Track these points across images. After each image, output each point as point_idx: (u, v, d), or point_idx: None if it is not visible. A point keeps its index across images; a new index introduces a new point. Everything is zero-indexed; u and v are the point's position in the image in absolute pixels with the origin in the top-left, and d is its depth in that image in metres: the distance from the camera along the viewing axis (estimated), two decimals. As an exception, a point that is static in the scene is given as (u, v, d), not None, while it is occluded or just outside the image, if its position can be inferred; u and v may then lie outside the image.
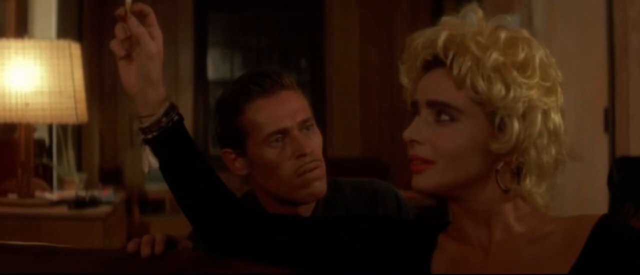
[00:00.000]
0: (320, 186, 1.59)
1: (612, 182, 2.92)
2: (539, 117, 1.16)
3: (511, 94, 1.15)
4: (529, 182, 1.19)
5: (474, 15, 1.21)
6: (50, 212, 3.37)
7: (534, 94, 1.16)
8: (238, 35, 8.00)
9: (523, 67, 1.17)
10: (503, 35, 1.18)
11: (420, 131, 1.20)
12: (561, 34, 3.98)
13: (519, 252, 1.19)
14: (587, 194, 3.60)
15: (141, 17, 1.33)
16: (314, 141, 1.60)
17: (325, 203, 1.65)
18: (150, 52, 1.32)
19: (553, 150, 1.18)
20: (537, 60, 1.17)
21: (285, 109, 1.57)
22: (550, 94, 1.18)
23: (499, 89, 1.15)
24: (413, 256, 1.26)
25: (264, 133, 1.57)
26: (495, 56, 1.15)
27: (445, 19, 1.21)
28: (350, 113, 7.73)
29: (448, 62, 1.18)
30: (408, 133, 1.20)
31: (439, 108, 1.19)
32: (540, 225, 1.20)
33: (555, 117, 1.18)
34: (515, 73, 1.16)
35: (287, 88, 1.60)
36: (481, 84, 1.15)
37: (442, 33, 1.18)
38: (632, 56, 3.35)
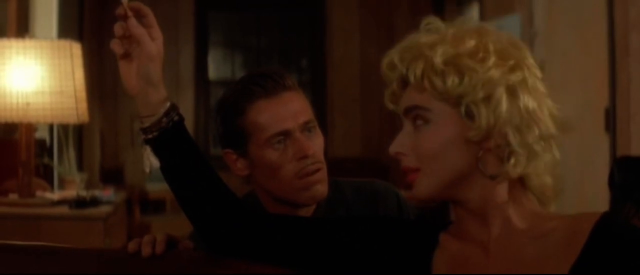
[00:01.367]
0: (322, 189, 1.59)
1: (613, 182, 2.92)
2: (504, 97, 1.17)
3: (466, 80, 1.17)
4: (517, 164, 1.18)
5: (435, 25, 1.23)
6: (51, 212, 3.36)
7: (493, 74, 1.17)
8: (238, 36, 8.01)
9: (474, 53, 1.18)
10: (451, 31, 1.21)
11: (402, 143, 1.23)
12: (561, 34, 3.97)
13: (519, 250, 1.19)
14: (588, 194, 3.60)
15: (140, 17, 1.33)
16: (316, 143, 1.59)
17: (326, 203, 1.65)
18: (151, 53, 1.33)
19: (535, 129, 1.18)
20: (491, 45, 1.19)
21: (287, 110, 1.57)
22: (515, 70, 1.18)
23: (453, 79, 1.17)
24: (414, 256, 1.26)
25: (266, 134, 1.56)
26: (442, 50, 1.18)
27: (408, 37, 1.24)
28: (350, 113, 7.73)
29: (404, 71, 1.21)
30: (392, 148, 1.24)
31: (414, 114, 1.22)
32: (541, 222, 1.20)
33: (525, 96, 1.18)
34: (466, 60, 1.18)
35: (289, 89, 1.59)
36: (437, 81, 1.18)
37: (397, 50, 1.23)
38: (633, 56, 3.35)
